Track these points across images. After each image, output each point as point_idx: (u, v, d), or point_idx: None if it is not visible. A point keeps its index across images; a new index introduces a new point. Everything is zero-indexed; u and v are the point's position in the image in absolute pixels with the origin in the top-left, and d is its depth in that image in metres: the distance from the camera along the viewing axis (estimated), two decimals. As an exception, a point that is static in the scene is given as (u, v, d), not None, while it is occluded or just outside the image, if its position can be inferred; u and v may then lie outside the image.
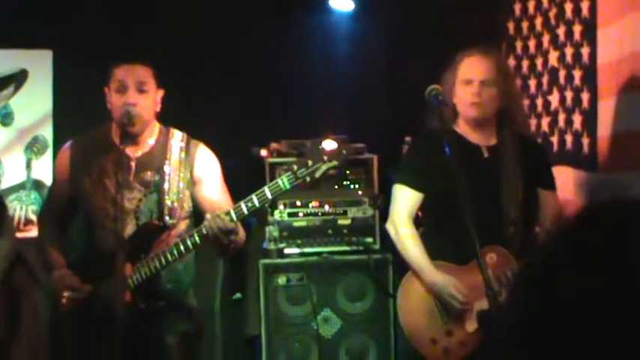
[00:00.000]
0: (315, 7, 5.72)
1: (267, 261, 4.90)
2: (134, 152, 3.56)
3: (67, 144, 3.72)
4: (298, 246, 4.97)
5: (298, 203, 5.02)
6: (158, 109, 3.60)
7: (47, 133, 5.91)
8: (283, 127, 5.28)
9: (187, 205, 3.59)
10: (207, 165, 3.62)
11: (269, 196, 3.27)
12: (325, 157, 3.26)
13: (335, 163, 3.26)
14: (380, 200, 4.87)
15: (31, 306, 4.36)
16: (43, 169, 5.87)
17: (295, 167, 3.26)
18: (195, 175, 3.58)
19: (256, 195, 3.28)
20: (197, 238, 3.33)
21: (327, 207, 5.03)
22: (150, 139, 3.59)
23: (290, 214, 5.00)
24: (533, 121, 4.90)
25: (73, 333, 3.45)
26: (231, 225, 3.25)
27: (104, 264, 3.38)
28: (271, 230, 4.94)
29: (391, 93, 5.54)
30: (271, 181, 3.39)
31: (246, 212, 3.28)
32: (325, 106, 5.65)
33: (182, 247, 3.36)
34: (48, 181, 5.87)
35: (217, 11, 5.63)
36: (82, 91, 5.80)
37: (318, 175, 3.26)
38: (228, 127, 5.40)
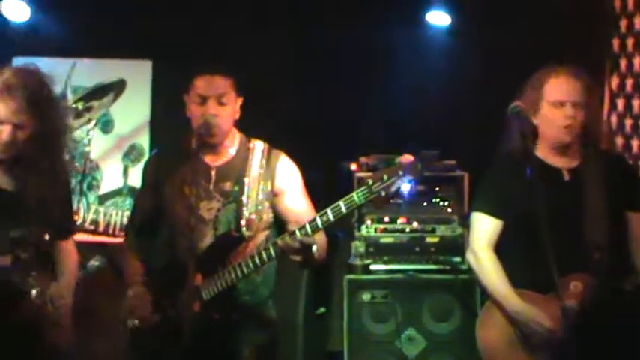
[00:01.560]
0: (412, 21, 5.67)
1: (352, 276, 4.86)
2: (214, 161, 3.55)
3: (153, 153, 3.77)
4: (384, 262, 4.91)
5: (386, 219, 4.96)
6: (237, 117, 3.60)
7: (144, 141, 6.05)
8: (373, 142, 5.25)
9: (266, 217, 3.56)
10: (288, 176, 3.59)
11: (344, 210, 3.21)
12: (401, 172, 3.18)
13: (411, 179, 3.19)
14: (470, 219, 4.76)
15: (117, 307, 4.44)
16: (139, 177, 5.98)
17: (370, 182, 3.20)
18: (277, 186, 3.55)
19: (331, 209, 3.23)
20: (272, 252, 3.30)
21: (415, 224, 4.96)
22: (231, 149, 3.59)
23: (377, 230, 4.94)
24: (635, 142, 4.71)
25: (147, 342, 3.46)
26: (307, 241, 3.20)
27: (180, 273, 3.39)
28: (358, 245, 4.90)
29: (485, 110, 5.41)
30: None
31: (320, 226, 3.23)
32: (417, 120, 5.57)
33: (258, 260, 3.33)
34: (142, 188, 6.00)
35: (310, 24, 5.65)
36: (179, 100, 5.90)
37: (393, 189, 3.17)
38: (317, 140, 5.40)
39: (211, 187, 3.51)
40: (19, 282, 3.18)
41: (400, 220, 4.96)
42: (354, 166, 5.04)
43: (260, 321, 3.55)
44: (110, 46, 5.92)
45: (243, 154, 3.57)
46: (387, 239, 4.93)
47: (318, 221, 3.22)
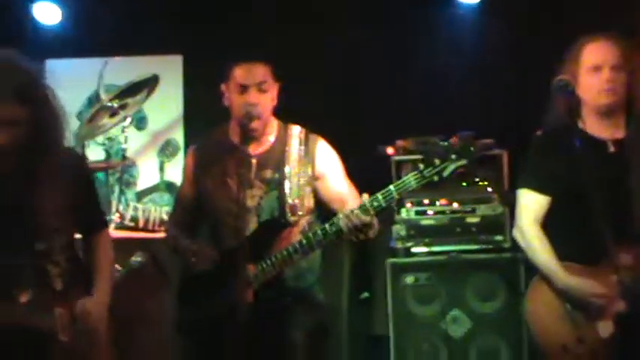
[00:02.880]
0: (441, 1, 5.64)
1: (394, 260, 4.85)
2: (254, 150, 3.56)
3: (191, 148, 3.78)
4: (426, 245, 4.89)
5: (426, 201, 4.94)
6: (275, 103, 3.61)
7: (179, 136, 6.08)
8: (408, 124, 5.21)
9: (308, 202, 3.58)
10: (328, 159, 3.61)
11: (395, 195, 3.23)
12: (453, 156, 3.19)
13: (463, 162, 3.18)
14: (510, 197, 4.72)
15: (158, 303, 4.47)
16: (175, 172, 6.02)
17: (422, 166, 3.21)
18: (317, 170, 3.57)
19: (382, 194, 3.24)
20: (330, 231, 3.30)
21: (455, 205, 4.93)
22: (270, 136, 3.60)
23: (417, 213, 4.92)
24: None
25: (198, 331, 3.48)
26: (367, 219, 3.22)
27: (227, 263, 3.41)
28: (398, 229, 4.89)
29: (520, 86, 5.37)
30: (398, 179, 3.33)
31: (372, 209, 3.23)
32: (451, 101, 5.53)
33: (306, 244, 3.35)
34: (179, 182, 6.01)
35: (344, 8, 5.63)
36: (211, 94, 5.88)
37: (445, 174, 3.20)
38: (351, 125, 5.38)
39: (252, 175, 3.52)
40: (42, 322, 2.89)
41: (440, 202, 4.94)
42: (390, 150, 5.01)
43: (309, 306, 3.57)
44: (140, 43, 5.96)
45: (282, 141, 3.58)
46: (428, 221, 4.91)
47: (374, 203, 3.23)
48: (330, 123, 4.07)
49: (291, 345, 3.48)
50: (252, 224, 3.49)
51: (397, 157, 4.91)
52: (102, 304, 3.07)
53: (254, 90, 3.48)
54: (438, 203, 4.94)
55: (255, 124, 3.48)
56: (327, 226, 3.32)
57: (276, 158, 3.55)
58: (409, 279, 4.81)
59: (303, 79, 5.22)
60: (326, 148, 3.63)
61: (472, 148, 3.21)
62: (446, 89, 5.55)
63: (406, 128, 5.13)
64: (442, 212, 4.92)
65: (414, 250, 4.88)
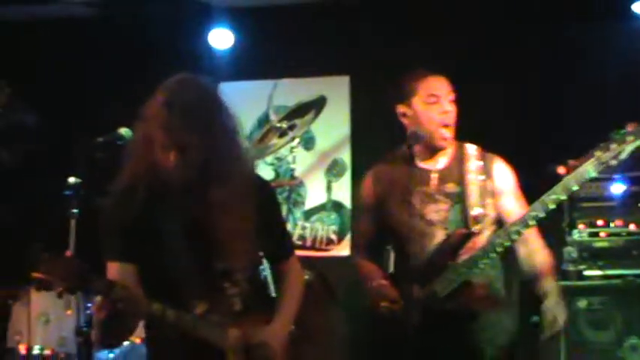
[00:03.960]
0: (618, 13, 5.44)
1: (566, 283, 4.68)
2: (433, 166, 3.59)
3: (368, 173, 3.80)
4: (599, 268, 4.70)
5: (600, 222, 4.76)
6: None
7: (346, 156, 6.15)
8: (581, 142, 5.04)
9: (491, 212, 3.58)
10: (505, 177, 3.62)
11: (574, 186, 3.26)
12: (630, 137, 3.16)
13: None
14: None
15: (326, 320, 4.51)
16: (342, 191, 6.10)
17: (598, 152, 3.19)
18: (495, 186, 3.58)
19: (561, 185, 3.29)
20: (504, 246, 3.36)
21: (631, 226, 4.72)
22: (447, 153, 3.63)
23: (590, 234, 4.75)
24: None
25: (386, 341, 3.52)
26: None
27: (416, 278, 3.44)
28: (570, 251, 4.72)
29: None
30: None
31: (543, 214, 3.30)
32: (627, 117, 5.29)
33: (492, 254, 3.38)
34: (346, 202, 6.10)
35: (511, 28, 5.55)
36: (378, 114, 5.94)
37: (623, 156, 3.16)
38: (519, 143, 5.27)
39: (434, 190, 3.55)
40: (213, 336, 2.79)
41: (615, 223, 4.74)
42: (561, 170, 4.85)
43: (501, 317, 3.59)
44: (308, 65, 6.09)
45: (459, 157, 3.61)
46: (602, 244, 4.73)
47: (552, 198, 3.28)
48: (501, 141, 4.01)
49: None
50: (439, 238, 3.51)
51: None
52: (280, 336, 2.95)
53: (446, 100, 3.54)
54: (612, 225, 4.74)
55: (449, 133, 3.54)
56: (502, 238, 3.36)
57: (456, 173, 3.57)
58: (582, 303, 4.63)
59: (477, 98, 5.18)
60: (503, 165, 3.64)
61: None
62: (619, 104, 5.33)
63: (579, 146, 4.97)
64: (617, 234, 4.73)
65: (586, 273, 4.71)
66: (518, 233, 3.35)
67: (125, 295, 2.64)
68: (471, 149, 3.63)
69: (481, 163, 3.58)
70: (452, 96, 3.57)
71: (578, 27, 5.44)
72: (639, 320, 4.54)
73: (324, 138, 6.17)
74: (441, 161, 3.61)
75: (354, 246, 4.23)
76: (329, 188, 6.16)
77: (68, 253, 2.53)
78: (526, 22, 5.59)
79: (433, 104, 3.53)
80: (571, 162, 4.83)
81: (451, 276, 3.41)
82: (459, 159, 3.60)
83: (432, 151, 3.57)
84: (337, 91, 6.08)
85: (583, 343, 4.61)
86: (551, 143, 5.27)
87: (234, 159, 2.84)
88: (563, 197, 3.29)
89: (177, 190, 2.78)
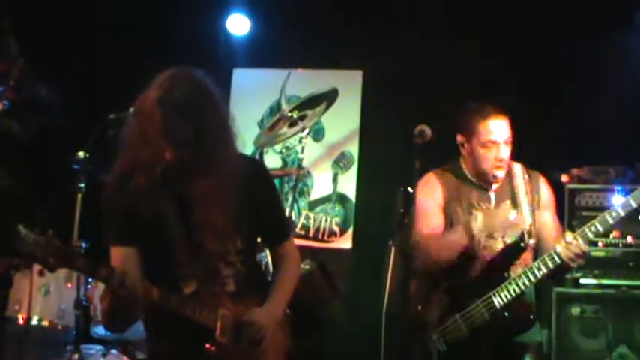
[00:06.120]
0: (623, 25, 5.47)
1: (561, 289, 4.75)
2: (490, 186, 3.85)
3: (430, 174, 3.90)
4: (595, 277, 4.77)
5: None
6: None
7: (354, 149, 6.19)
8: (583, 152, 5.09)
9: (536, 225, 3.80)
10: (548, 193, 3.88)
11: (634, 205, 3.51)
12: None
13: None
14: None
15: (325, 310, 4.57)
16: (348, 184, 6.16)
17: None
18: (542, 201, 3.83)
19: (598, 221, 3.53)
20: (550, 263, 3.58)
21: (629, 238, 4.76)
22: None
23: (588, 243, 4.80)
24: None
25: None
26: (585, 248, 3.53)
27: (469, 286, 3.70)
28: (567, 258, 4.78)
29: None
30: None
31: (591, 236, 3.55)
32: (632, 131, 5.33)
33: (542, 270, 3.59)
34: (351, 195, 6.16)
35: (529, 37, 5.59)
36: (387, 110, 6.02)
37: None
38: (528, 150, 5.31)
39: (493, 207, 3.80)
40: (200, 316, 2.83)
41: (613, 234, 4.79)
42: (564, 178, 4.93)
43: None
44: (322, 57, 6.13)
45: (509, 175, 3.84)
46: (599, 253, 4.79)
47: (588, 232, 3.54)
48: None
49: None
50: (497, 250, 3.75)
51: (572, 186, 4.84)
52: (271, 317, 2.95)
53: (503, 145, 3.73)
54: (611, 235, 4.79)
55: (502, 173, 3.77)
56: (547, 256, 3.58)
57: (510, 191, 3.82)
58: (575, 310, 4.69)
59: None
60: (546, 183, 3.89)
61: None
62: (625, 118, 5.35)
63: (587, 154, 5.04)
64: (614, 245, 4.78)
65: (582, 281, 4.78)
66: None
67: (109, 273, 2.65)
68: (517, 167, 3.86)
69: (528, 179, 3.83)
70: (509, 138, 3.74)
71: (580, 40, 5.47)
72: (630, 330, 4.60)
73: (334, 130, 6.22)
74: (496, 181, 3.83)
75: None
76: (335, 180, 6.21)
77: (50, 232, 2.56)
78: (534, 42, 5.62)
79: (490, 149, 3.73)
80: (574, 171, 4.91)
81: (508, 286, 3.62)
82: (510, 177, 3.84)
83: (491, 181, 3.82)
84: (350, 85, 6.13)
85: (573, 349, 4.67)
86: (552, 151, 5.32)
87: (226, 149, 2.88)
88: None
89: (173, 177, 2.83)
